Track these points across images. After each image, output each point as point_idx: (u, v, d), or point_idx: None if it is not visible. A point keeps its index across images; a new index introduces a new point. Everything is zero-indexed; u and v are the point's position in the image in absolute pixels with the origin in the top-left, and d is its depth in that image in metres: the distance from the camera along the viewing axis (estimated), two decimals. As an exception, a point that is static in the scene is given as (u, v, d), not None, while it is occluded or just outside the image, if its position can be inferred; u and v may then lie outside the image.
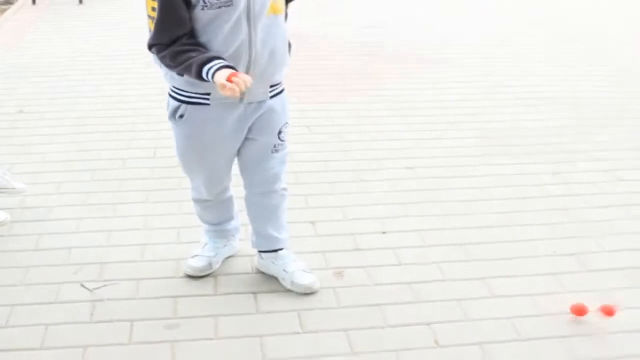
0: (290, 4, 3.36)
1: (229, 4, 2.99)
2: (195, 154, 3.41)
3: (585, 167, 5.16)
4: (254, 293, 3.59)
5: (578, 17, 10.33)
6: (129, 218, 4.28)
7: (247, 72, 3.08)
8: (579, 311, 3.38)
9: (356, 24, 9.36)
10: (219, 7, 2.99)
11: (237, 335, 3.28)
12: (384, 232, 4.18)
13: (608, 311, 3.36)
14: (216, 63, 2.95)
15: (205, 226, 3.78)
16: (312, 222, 4.26)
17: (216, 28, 3.05)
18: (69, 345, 3.18)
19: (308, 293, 3.57)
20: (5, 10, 9.58)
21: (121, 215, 4.31)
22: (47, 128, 5.57)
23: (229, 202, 3.71)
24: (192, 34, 3.07)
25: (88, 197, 4.52)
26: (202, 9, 3.00)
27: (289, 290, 3.58)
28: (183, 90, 3.21)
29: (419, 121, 5.98)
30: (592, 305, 3.37)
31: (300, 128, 5.63)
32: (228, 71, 2.92)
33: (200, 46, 3.05)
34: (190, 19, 3.03)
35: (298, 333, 3.31)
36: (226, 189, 3.63)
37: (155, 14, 3.03)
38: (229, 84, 2.86)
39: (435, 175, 4.95)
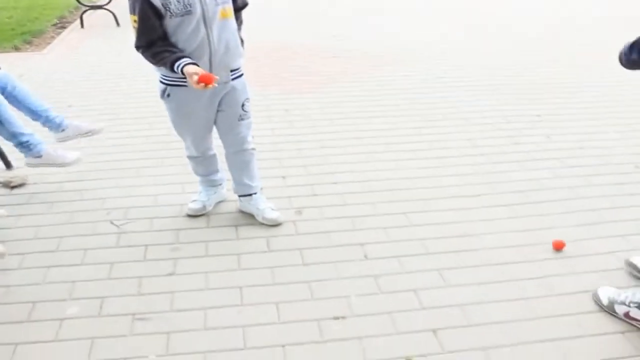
0: (243, 12, 3.57)
1: (189, 12, 3.20)
2: (182, 121, 3.66)
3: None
4: (235, 226, 3.87)
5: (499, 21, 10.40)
6: (148, 177, 4.53)
7: (209, 62, 3.32)
8: (558, 245, 3.61)
9: (326, 34, 9.43)
10: (182, 15, 3.18)
11: (221, 254, 3.57)
12: (335, 183, 4.44)
13: (558, 245, 3.60)
14: (182, 61, 3.20)
15: (199, 178, 4.03)
16: (283, 177, 4.52)
17: (182, 31, 3.24)
18: (101, 262, 3.50)
19: (275, 225, 3.85)
20: (60, 32, 9.68)
21: (143, 175, 4.57)
22: (94, 116, 5.72)
23: (213, 158, 3.94)
24: (165, 37, 3.25)
25: (119, 164, 4.76)
26: (170, 17, 3.19)
27: (262, 223, 3.86)
28: (167, 77, 3.43)
29: (374, 104, 6.14)
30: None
31: (280, 111, 5.87)
32: (195, 67, 3.18)
33: (171, 46, 3.26)
34: (162, 25, 3.22)
35: (265, 252, 3.59)
36: (209, 148, 3.86)
37: (135, 25, 3.25)
38: (197, 84, 3.13)
39: (379, 142, 5.16)
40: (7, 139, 4.27)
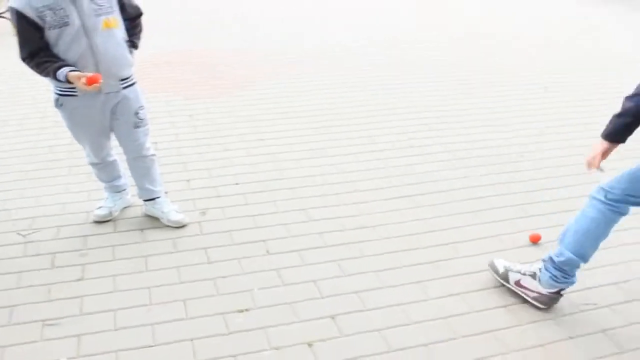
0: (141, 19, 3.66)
1: (66, 24, 3.22)
2: (77, 129, 3.71)
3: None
4: (141, 229, 3.96)
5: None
6: (54, 186, 4.54)
7: (97, 72, 3.35)
8: (535, 238, 3.82)
9: (232, 39, 9.49)
10: (60, 27, 3.22)
11: (129, 257, 3.66)
12: (237, 184, 4.58)
13: (535, 238, 3.81)
14: (64, 69, 3.26)
15: (103, 184, 4.08)
16: (188, 180, 4.63)
17: (62, 42, 3.27)
18: (8, 272, 3.52)
19: (180, 226, 3.96)
20: None
21: (49, 185, 4.56)
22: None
23: (113, 164, 3.99)
24: (47, 47, 3.29)
25: (24, 174, 4.75)
26: (49, 29, 3.22)
27: (167, 226, 3.97)
28: (59, 87, 3.46)
29: (276, 106, 6.28)
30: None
31: (184, 117, 5.96)
32: (77, 72, 3.25)
33: (54, 56, 3.29)
34: (42, 37, 3.25)
35: (172, 253, 3.71)
36: (108, 154, 3.91)
37: (17, 37, 3.28)
38: (85, 86, 3.22)
39: (280, 143, 5.33)
40: None
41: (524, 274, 3.30)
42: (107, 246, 3.78)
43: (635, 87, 2.80)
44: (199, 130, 5.64)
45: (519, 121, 5.94)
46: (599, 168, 3.01)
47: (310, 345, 2.96)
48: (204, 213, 4.16)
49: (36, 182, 4.64)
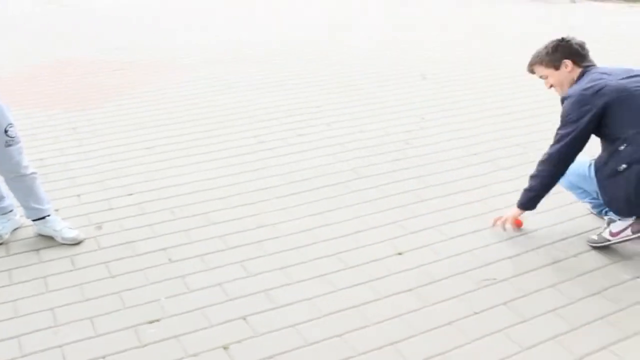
0: None
1: None
2: None
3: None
4: (36, 250, 3.82)
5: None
6: None
7: None
8: (518, 223, 3.90)
9: (108, 46, 9.30)
10: None
11: (27, 280, 3.52)
12: (131, 194, 4.51)
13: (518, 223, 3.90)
14: None
15: None
16: (78, 195, 4.50)
17: None
18: None
19: (75, 243, 3.85)
20: None
21: None
22: None
23: None
24: None
25: None
26: None
27: (63, 244, 3.85)
28: None
29: (162, 112, 6.25)
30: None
31: (67, 130, 5.79)
32: None
33: None
34: None
35: (71, 270, 3.60)
36: None
37: None
38: None
39: (172, 149, 5.29)
40: None
41: (608, 226, 3.67)
42: (2, 271, 3.63)
43: (536, 165, 3.68)
44: (84, 143, 5.50)
45: (401, 109, 6.13)
46: (504, 229, 3.85)
47: (226, 348, 2.97)
48: (99, 227, 4.07)
49: None
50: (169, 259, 3.71)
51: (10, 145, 3.63)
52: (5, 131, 3.59)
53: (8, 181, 3.78)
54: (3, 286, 3.49)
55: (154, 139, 5.53)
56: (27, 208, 3.89)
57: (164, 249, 3.81)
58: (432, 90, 6.82)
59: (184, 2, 12.38)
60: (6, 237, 3.93)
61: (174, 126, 5.85)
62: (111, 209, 4.32)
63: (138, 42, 9.46)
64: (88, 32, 10.20)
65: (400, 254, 3.72)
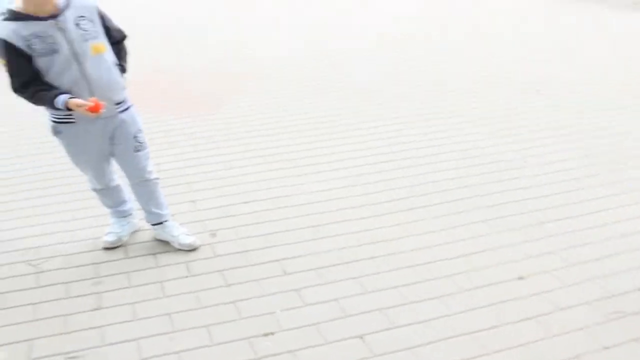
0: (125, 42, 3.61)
1: (55, 51, 3.17)
2: (77, 156, 3.65)
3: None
4: (153, 254, 3.88)
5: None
6: (60, 213, 4.43)
7: (91, 97, 3.27)
8: None
9: (216, 53, 9.39)
10: (49, 54, 3.16)
11: (144, 283, 3.57)
12: (246, 202, 4.50)
13: None
14: (62, 97, 3.19)
15: (109, 210, 4.00)
16: (193, 201, 4.55)
17: (53, 70, 3.22)
18: (23, 304, 3.42)
19: (191, 249, 3.88)
20: None
21: (54, 212, 4.46)
22: None
23: (117, 189, 3.92)
24: (38, 76, 3.22)
25: (27, 202, 4.63)
26: (38, 57, 3.16)
27: (179, 249, 3.89)
28: (56, 114, 3.40)
29: (273, 121, 6.21)
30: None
31: (181, 135, 5.87)
32: (77, 99, 3.19)
33: (47, 85, 3.23)
34: (32, 66, 3.18)
35: (187, 277, 3.63)
36: (111, 179, 3.84)
37: (7, 68, 3.22)
38: (88, 112, 3.18)
39: (284, 158, 5.26)
40: None
41: None
42: (121, 273, 3.70)
43: None
44: (199, 149, 5.56)
45: (516, 127, 5.92)
46: None
47: (342, 367, 2.90)
48: (214, 234, 4.09)
49: (40, 209, 4.53)
50: (284, 271, 3.67)
51: (138, 151, 3.68)
52: (135, 137, 3.65)
53: (132, 185, 3.84)
54: (123, 288, 3.56)
55: (267, 148, 5.53)
56: (148, 212, 3.94)
57: (278, 260, 3.78)
58: (548, 107, 6.55)
59: (272, 17, 12.44)
60: (125, 239, 4.00)
61: (285, 135, 5.84)
62: (227, 216, 4.32)
63: (245, 52, 9.52)
64: (197, 43, 10.33)
65: (521, 278, 3.56)
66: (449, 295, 3.41)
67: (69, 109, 3.21)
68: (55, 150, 5.30)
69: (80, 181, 4.49)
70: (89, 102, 3.19)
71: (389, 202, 4.48)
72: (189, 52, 9.56)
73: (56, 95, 3.19)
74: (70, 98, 3.19)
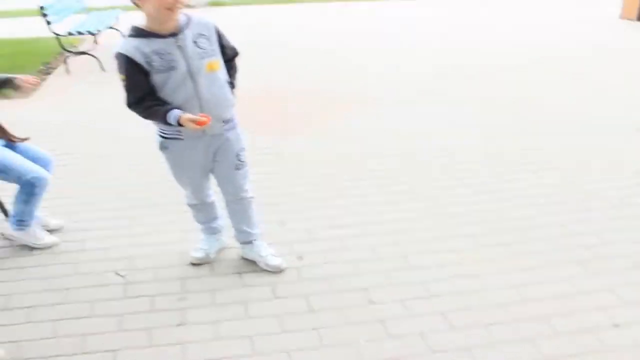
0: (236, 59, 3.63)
1: (173, 68, 3.22)
2: (180, 171, 3.69)
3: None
4: (239, 273, 3.85)
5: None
6: (149, 225, 4.49)
7: (202, 114, 3.29)
8: None
9: (308, 75, 9.37)
10: (166, 71, 3.21)
11: (228, 302, 3.54)
12: (333, 226, 4.43)
13: None
14: (174, 113, 3.22)
15: (199, 226, 4.02)
16: (282, 222, 4.51)
17: (169, 86, 3.26)
18: (110, 314, 3.46)
19: (278, 271, 3.84)
20: (46, 78, 9.59)
21: (144, 224, 4.52)
22: (86, 164, 5.77)
23: (211, 205, 3.94)
24: (153, 92, 3.27)
25: (119, 212, 4.73)
26: (156, 74, 3.22)
27: (265, 270, 3.85)
28: (164, 130, 3.47)
29: (364, 144, 6.11)
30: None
31: (272, 155, 5.86)
32: (188, 115, 3.21)
33: (161, 100, 3.28)
34: (149, 82, 3.24)
35: (271, 299, 3.58)
36: (208, 195, 3.87)
37: (124, 83, 3.27)
38: (196, 126, 3.19)
39: (373, 184, 5.16)
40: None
41: None
42: (206, 290, 3.68)
43: None
44: (288, 169, 5.54)
45: (614, 166, 5.65)
46: None
47: (427, 406, 2.77)
48: (301, 257, 4.03)
49: (130, 220, 4.59)
50: (369, 300, 3.58)
51: (238, 169, 3.71)
52: (237, 155, 3.67)
53: (227, 202, 3.85)
54: (207, 305, 3.54)
55: (356, 171, 5.46)
56: (238, 230, 3.93)
57: (364, 289, 3.69)
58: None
59: (374, 40, 12.37)
60: (213, 256, 4.00)
61: (376, 160, 5.74)
62: (314, 239, 4.27)
63: (338, 76, 9.46)
64: (289, 64, 10.36)
65: (616, 326, 3.35)
66: (538, 338, 3.24)
67: (179, 125, 3.24)
68: (149, 162, 5.47)
69: (173, 194, 4.53)
70: (199, 117, 3.22)
71: (481, 235, 4.32)
72: (297, 73, 9.56)
73: (169, 111, 3.24)
74: (182, 114, 3.22)
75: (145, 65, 3.20)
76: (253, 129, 6.39)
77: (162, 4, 3.10)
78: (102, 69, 9.81)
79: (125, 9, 14.51)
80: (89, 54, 10.13)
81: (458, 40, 12.02)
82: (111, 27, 11.65)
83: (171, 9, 3.13)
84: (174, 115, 3.23)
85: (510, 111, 7.35)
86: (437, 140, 6.34)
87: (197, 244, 4.03)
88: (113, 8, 13.71)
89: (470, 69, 9.59)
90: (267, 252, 3.91)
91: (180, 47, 3.24)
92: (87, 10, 12.90)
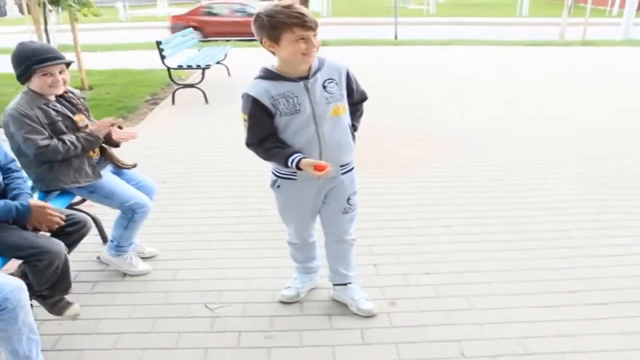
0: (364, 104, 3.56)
1: (297, 111, 3.19)
2: (288, 211, 3.62)
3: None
4: (329, 315, 3.72)
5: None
6: (240, 259, 4.43)
7: (319, 158, 3.24)
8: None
9: (410, 116, 9.18)
10: (291, 114, 3.18)
11: (316, 345, 3.41)
12: (427, 273, 4.25)
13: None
14: (296, 156, 3.17)
15: (295, 264, 3.93)
16: (375, 265, 4.36)
17: (291, 129, 3.22)
18: (195, 347, 3.39)
19: (369, 316, 3.69)
20: (153, 108, 9.87)
21: (235, 257, 4.46)
22: (183, 194, 5.82)
23: (312, 245, 3.85)
24: (275, 133, 3.24)
25: (211, 244, 4.69)
26: (280, 116, 3.19)
27: (355, 314, 3.70)
28: (279, 170, 3.43)
29: (461, 191, 5.91)
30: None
31: (370, 195, 5.71)
32: (309, 159, 3.16)
33: (282, 142, 3.24)
34: (272, 123, 3.22)
35: (360, 345, 3.42)
36: (311, 235, 3.77)
37: (246, 123, 3.24)
38: (315, 172, 3.12)
39: (469, 232, 4.95)
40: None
41: None
42: (294, 330, 3.56)
43: None
44: (384, 212, 5.38)
45: None
46: None
47: None
48: (393, 303, 3.86)
49: (222, 252, 4.54)
50: (462, 353, 3.37)
51: (347, 212, 3.61)
52: (349, 199, 3.58)
53: (328, 242, 3.75)
54: (293, 346, 3.42)
55: (452, 218, 5.25)
56: (334, 271, 3.82)
57: (457, 341, 3.47)
58: None
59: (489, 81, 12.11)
60: (302, 295, 3.90)
61: (471, 207, 5.51)
62: (407, 285, 4.09)
63: (439, 115, 9.28)
64: (391, 101, 10.25)
65: None
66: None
67: (299, 168, 3.19)
68: (248, 197, 5.50)
69: (262, 229, 4.51)
70: (320, 162, 3.16)
71: (583, 291, 4.04)
72: (388, 111, 9.42)
73: (290, 155, 3.20)
74: (303, 158, 3.18)
75: (271, 108, 3.17)
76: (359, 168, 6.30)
77: (298, 50, 3.05)
78: (206, 101, 10.00)
79: (235, 45, 15.00)
80: (196, 87, 10.36)
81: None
82: (219, 62, 11.90)
83: (306, 54, 3.08)
84: (295, 159, 3.18)
85: (617, 161, 6.95)
86: (541, 185, 6.05)
87: (289, 282, 3.94)
88: (225, 45, 14.07)
89: None
90: (359, 296, 3.78)
91: (308, 91, 3.20)
92: (200, 46, 13.29)
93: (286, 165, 3.23)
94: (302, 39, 3.03)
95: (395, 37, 20.98)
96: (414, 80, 12.37)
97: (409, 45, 18.82)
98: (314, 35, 3.06)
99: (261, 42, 3.12)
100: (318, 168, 3.13)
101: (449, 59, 15.44)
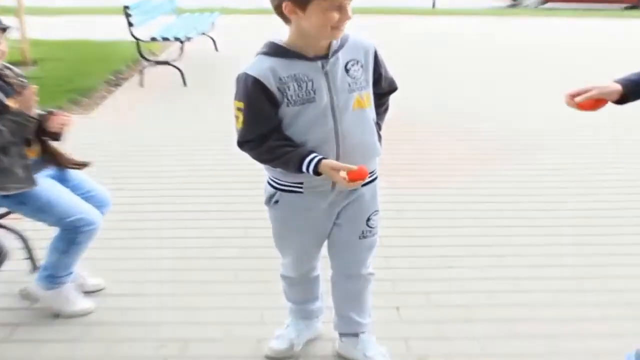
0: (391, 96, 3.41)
1: (311, 100, 3.03)
2: (287, 235, 3.45)
3: None
4: (333, 378, 3.54)
5: None
6: (217, 296, 4.28)
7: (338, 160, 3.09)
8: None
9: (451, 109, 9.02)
10: (302, 103, 3.03)
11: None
12: (468, 321, 4.07)
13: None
14: (314, 156, 3.00)
15: (289, 305, 3.76)
16: (397, 308, 4.18)
17: (302, 122, 3.07)
18: None
19: (388, 381, 3.51)
20: (114, 91, 9.75)
21: (210, 293, 4.31)
22: (144, 205, 5.68)
23: (314, 281, 3.68)
24: (279, 129, 3.10)
25: (175, 274, 4.54)
26: (287, 105, 3.03)
27: (369, 377, 3.52)
28: (279, 180, 3.24)
29: (509, 208, 5.78)
30: None
31: (391, 212, 5.49)
32: (333, 162, 3.00)
33: (290, 141, 3.08)
34: (277, 115, 3.07)
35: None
36: (313, 268, 3.62)
37: (241, 114, 3.07)
38: (345, 181, 2.97)
39: (525, 264, 4.77)
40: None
41: None
42: (284, 398, 3.37)
43: None
44: (410, 234, 5.22)
45: None
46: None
47: None
48: (421, 361, 3.68)
49: (192, 287, 4.39)
50: None
51: (365, 237, 3.43)
52: (369, 219, 3.40)
53: (337, 278, 3.61)
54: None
55: (500, 245, 5.08)
56: (342, 317, 3.65)
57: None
58: None
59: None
60: (297, 348, 3.70)
61: (523, 229, 5.34)
62: (443, 338, 3.91)
63: (486, 103, 9.25)
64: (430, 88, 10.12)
65: None
66: None
67: (317, 174, 3.02)
68: (231, 214, 5.45)
69: (247, 255, 4.53)
70: (353, 167, 3.00)
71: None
72: (425, 100, 9.29)
73: (306, 155, 3.03)
74: (324, 159, 3.02)
75: (277, 94, 3.02)
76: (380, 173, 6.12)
77: (328, 20, 2.90)
78: (184, 83, 9.91)
79: (224, 12, 14.86)
80: (171, 65, 10.26)
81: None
82: (204, 34, 11.77)
83: (337, 27, 2.95)
84: (313, 162, 3.00)
85: None
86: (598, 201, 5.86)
87: (280, 330, 3.76)
88: (211, 11, 13.88)
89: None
90: (375, 351, 3.60)
91: (326, 75, 3.06)
92: (178, 11, 13.11)
93: (299, 170, 3.04)
94: (338, 7, 2.89)
95: (433, 6, 21.03)
96: (457, 57, 12.33)
97: (448, 15, 18.80)
98: (349, 4, 2.93)
99: (278, 6, 2.95)
100: (353, 176, 2.97)
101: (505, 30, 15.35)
